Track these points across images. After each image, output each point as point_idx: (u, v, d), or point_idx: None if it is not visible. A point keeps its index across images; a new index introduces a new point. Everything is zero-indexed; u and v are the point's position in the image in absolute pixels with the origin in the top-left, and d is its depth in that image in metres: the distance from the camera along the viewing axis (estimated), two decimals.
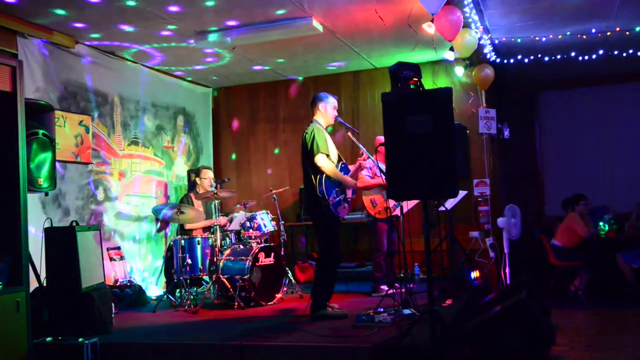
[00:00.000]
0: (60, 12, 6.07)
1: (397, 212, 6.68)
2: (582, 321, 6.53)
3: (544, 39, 7.68)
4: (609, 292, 7.60)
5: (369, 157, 6.18)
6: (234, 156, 9.76)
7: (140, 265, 7.94)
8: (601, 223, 8.17)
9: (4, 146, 4.61)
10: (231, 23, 6.72)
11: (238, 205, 7.50)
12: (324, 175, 5.41)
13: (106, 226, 7.36)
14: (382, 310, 5.39)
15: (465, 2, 6.35)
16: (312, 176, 5.45)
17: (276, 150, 9.50)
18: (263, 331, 5.09)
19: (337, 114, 5.83)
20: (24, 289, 4.56)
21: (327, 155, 5.47)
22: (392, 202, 6.64)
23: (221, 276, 6.57)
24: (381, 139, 6.82)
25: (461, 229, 8.03)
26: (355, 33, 7.24)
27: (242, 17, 6.55)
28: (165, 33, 6.88)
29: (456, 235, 7.39)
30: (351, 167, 6.06)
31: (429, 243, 4.52)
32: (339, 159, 5.75)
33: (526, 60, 8.41)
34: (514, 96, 10.00)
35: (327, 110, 5.74)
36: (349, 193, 5.70)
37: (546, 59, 8.35)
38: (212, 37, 6.96)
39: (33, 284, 5.01)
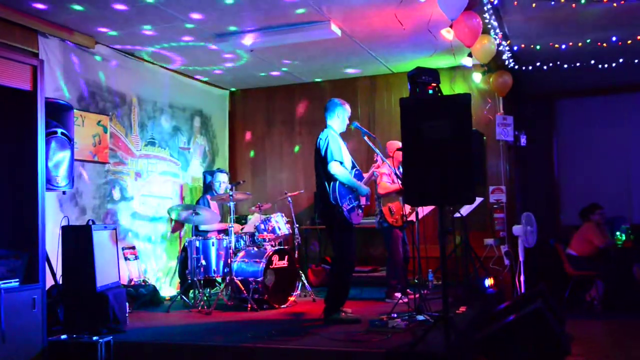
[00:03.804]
0: (79, 9, 6.12)
1: (412, 217, 6.65)
2: (597, 331, 6.47)
3: (563, 46, 7.63)
4: (625, 302, 7.51)
5: (384, 162, 6.16)
6: (252, 153, 9.79)
7: (155, 265, 7.97)
8: (618, 233, 8.09)
9: (24, 144, 4.66)
10: (249, 26, 6.74)
11: (253, 208, 7.52)
12: (337, 182, 5.40)
13: (122, 226, 7.40)
14: (395, 315, 5.38)
15: (485, 8, 6.33)
16: (326, 182, 5.46)
17: (296, 148, 9.49)
18: (276, 334, 5.09)
19: (348, 122, 5.84)
20: (40, 287, 4.60)
21: (341, 163, 5.47)
22: (408, 209, 6.62)
23: (235, 278, 6.58)
24: (393, 144, 6.82)
25: (476, 235, 7.98)
26: (373, 37, 7.23)
27: (260, 20, 6.56)
28: (184, 35, 6.92)
29: (471, 242, 7.35)
30: (365, 175, 6.04)
31: (444, 249, 4.50)
32: (353, 166, 5.74)
33: (545, 68, 8.36)
34: (531, 103, 9.94)
35: (342, 117, 5.74)
36: (363, 200, 5.68)
37: (565, 66, 8.29)
38: (230, 40, 6.98)
39: (49, 282, 5.05)
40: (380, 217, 6.86)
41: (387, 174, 6.72)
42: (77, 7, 5.99)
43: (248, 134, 9.85)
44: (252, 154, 9.81)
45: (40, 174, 4.66)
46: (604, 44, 7.54)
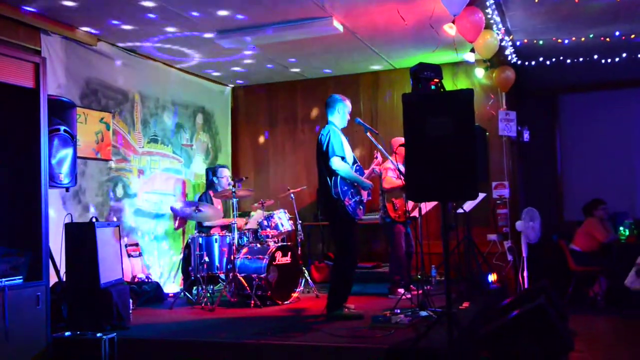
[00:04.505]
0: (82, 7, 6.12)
1: (415, 213, 6.65)
2: (600, 327, 6.46)
3: (566, 41, 7.60)
4: (628, 298, 7.50)
5: (387, 159, 6.16)
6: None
7: (158, 262, 7.99)
8: (621, 228, 8.07)
9: (27, 142, 4.66)
10: (251, 22, 6.73)
11: (256, 204, 7.52)
12: (339, 177, 5.41)
13: (125, 223, 7.41)
14: (398, 311, 5.38)
15: (487, 4, 6.31)
16: (328, 178, 5.47)
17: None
18: (279, 330, 5.10)
19: (349, 118, 5.85)
20: (44, 284, 4.61)
21: (342, 158, 5.48)
22: (411, 204, 6.61)
23: (238, 274, 6.59)
24: (397, 140, 6.82)
25: (479, 231, 7.97)
26: (375, 33, 7.22)
27: (262, 16, 6.56)
28: (186, 32, 6.91)
29: (474, 237, 7.35)
30: (366, 172, 6.04)
31: (447, 245, 4.49)
32: (354, 161, 5.75)
33: (548, 63, 8.34)
34: (534, 98, 9.91)
35: (342, 112, 5.75)
36: (365, 195, 5.69)
37: (568, 61, 8.27)
38: (232, 36, 6.97)
39: (53, 279, 5.06)
40: (384, 212, 6.86)
41: (393, 169, 6.71)
42: (80, 5, 6.00)
43: (250, 131, 9.85)
44: (254, 150, 9.81)
45: (43, 171, 4.67)
46: (607, 39, 7.52)
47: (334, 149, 5.42)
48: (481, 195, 7.10)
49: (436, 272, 7.87)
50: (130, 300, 5.89)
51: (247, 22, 6.73)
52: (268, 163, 9.73)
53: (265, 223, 7.09)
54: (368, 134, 5.87)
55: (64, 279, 5.48)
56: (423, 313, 5.32)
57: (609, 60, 8.22)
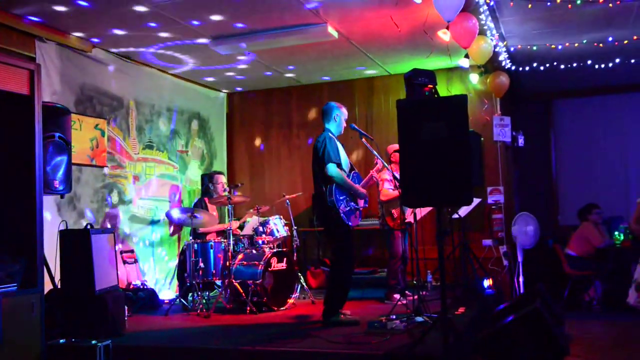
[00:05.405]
0: (77, 14, 6.12)
1: (411, 219, 6.66)
2: (596, 332, 6.48)
3: (560, 46, 7.64)
4: (623, 302, 7.51)
5: (384, 166, 6.17)
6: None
7: (153, 269, 7.96)
8: (616, 233, 8.11)
9: (22, 149, 4.65)
10: (247, 28, 6.74)
11: (251, 210, 7.52)
12: (334, 184, 5.42)
13: (120, 229, 7.39)
14: (394, 317, 5.38)
15: (481, 10, 6.33)
16: (323, 185, 5.47)
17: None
18: (275, 337, 5.09)
19: (345, 124, 5.87)
20: (39, 291, 4.58)
21: (338, 165, 5.48)
22: (408, 212, 6.62)
23: (233, 281, 6.58)
24: (393, 147, 6.83)
25: (475, 236, 7.99)
26: (370, 40, 7.24)
27: (257, 22, 6.57)
28: (181, 39, 6.91)
29: (469, 243, 7.36)
30: (364, 179, 6.05)
31: (442, 250, 4.50)
32: (351, 168, 5.75)
33: (542, 68, 8.37)
34: (529, 104, 9.96)
35: (339, 119, 5.77)
36: (361, 203, 5.70)
37: (562, 66, 8.31)
38: (227, 42, 6.98)
39: (47, 286, 5.04)
40: (383, 221, 6.88)
41: (389, 180, 6.72)
42: (74, 12, 6.00)
43: (246, 137, 9.85)
44: (249, 156, 9.81)
45: (38, 178, 4.65)
46: (601, 44, 7.56)
47: (329, 155, 5.43)
48: (476, 201, 7.10)
49: (432, 277, 7.88)
50: (126, 307, 5.86)
51: (243, 29, 6.74)
52: (263, 169, 9.72)
53: (261, 229, 7.09)
54: (363, 139, 5.88)
55: (59, 286, 5.46)
56: (419, 318, 5.32)
57: (603, 66, 8.26)
